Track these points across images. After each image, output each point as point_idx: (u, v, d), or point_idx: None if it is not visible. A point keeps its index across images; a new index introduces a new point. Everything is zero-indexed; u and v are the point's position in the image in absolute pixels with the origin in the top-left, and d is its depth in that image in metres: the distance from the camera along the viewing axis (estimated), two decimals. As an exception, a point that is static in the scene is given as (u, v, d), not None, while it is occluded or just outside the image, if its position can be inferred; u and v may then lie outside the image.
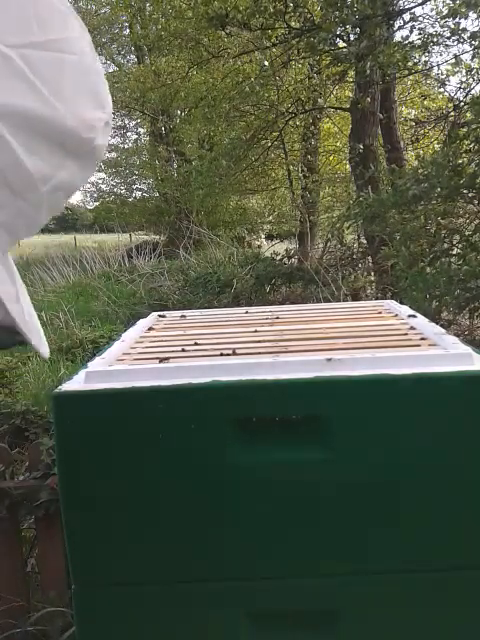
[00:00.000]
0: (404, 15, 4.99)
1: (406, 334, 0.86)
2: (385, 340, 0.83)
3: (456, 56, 4.97)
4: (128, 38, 13.87)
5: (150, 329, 0.99)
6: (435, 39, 4.57)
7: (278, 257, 6.48)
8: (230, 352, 0.79)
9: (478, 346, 0.76)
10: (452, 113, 5.15)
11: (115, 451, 0.71)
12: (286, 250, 6.64)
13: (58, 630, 1.83)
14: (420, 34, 4.64)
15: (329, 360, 0.71)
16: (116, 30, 14.46)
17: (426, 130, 6.23)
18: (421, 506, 0.70)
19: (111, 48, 14.81)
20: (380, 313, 1.04)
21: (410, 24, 4.75)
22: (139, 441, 0.70)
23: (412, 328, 0.90)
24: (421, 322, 0.92)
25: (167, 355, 0.80)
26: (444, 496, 0.70)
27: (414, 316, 0.96)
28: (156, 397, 0.69)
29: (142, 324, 1.03)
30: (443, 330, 0.86)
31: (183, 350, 0.83)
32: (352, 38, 5.35)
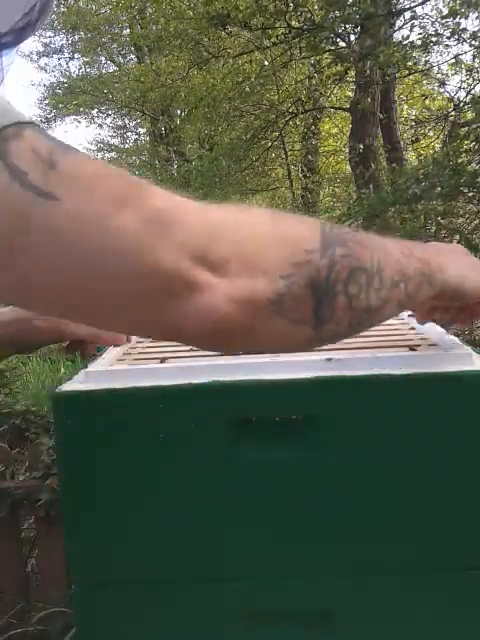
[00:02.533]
0: (405, 14, 4.99)
1: (406, 334, 0.86)
2: (385, 340, 0.83)
3: (456, 56, 4.98)
4: (128, 38, 13.87)
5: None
6: (435, 39, 4.57)
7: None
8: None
9: (478, 346, 0.76)
10: (452, 113, 5.16)
11: (115, 451, 0.71)
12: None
13: (58, 630, 1.83)
14: (420, 33, 4.64)
15: (329, 360, 0.71)
16: (116, 30, 14.46)
17: (426, 130, 6.24)
18: (421, 506, 0.70)
19: (111, 48, 14.81)
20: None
21: (410, 23, 4.75)
22: (139, 441, 0.70)
23: (412, 328, 0.90)
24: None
25: (167, 355, 0.80)
26: (444, 496, 0.70)
27: (414, 316, 0.96)
28: (156, 397, 0.69)
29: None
30: (443, 330, 0.86)
31: (183, 350, 0.83)
32: (353, 38, 5.35)
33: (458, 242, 3.58)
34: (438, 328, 0.88)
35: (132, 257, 0.39)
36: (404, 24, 5.32)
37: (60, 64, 16.43)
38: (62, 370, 4.50)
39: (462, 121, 4.49)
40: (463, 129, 3.97)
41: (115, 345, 0.86)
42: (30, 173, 0.38)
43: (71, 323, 0.81)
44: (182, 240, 0.41)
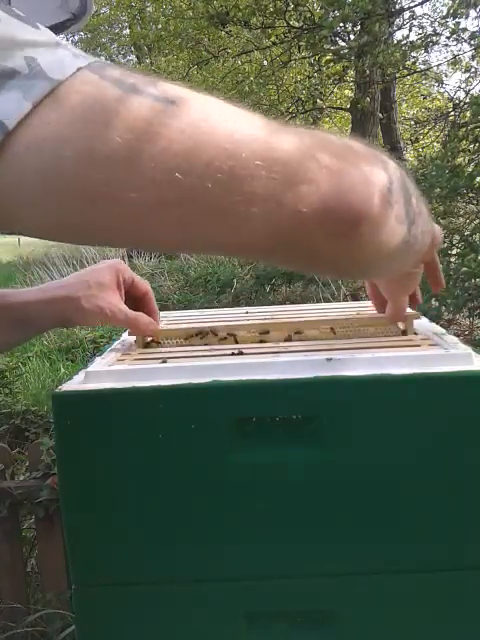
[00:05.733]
0: (404, 14, 4.99)
1: (406, 334, 0.86)
2: (385, 340, 0.83)
3: (455, 56, 4.98)
4: (128, 38, 13.87)
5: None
6: (434, 38, 4.57)
7: (278, 257, 6.47)
8: (230, 352, 0.79)
9: (478, 346, 0.76)
10: (452, 113, 5.16)
11: (115, 451, 0.71)
12: (286, 250, 6.62)
13: (57, 631, 1.83)
14: (420, 33, 4.64)
15: (329, 360, 0.71)
16: (116, 30, 14.46)
17: (426, 130, 6.24)
18: (421, 506, 0.70)
19: (111, 48, 14.81)
20: (380, 313, 1.03)
21: (409, 23, 4.75)
22: (139, 441, 0.70)
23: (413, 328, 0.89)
24: (421, 322, 0.92)
25: (167, 355, 0.80)
26: (444, 496, 0.70)
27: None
28: (156, 397, 0.69)
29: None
30: (443, 330, 0.86)
31: (183, 350, 0.83)
32: (352, 37, 5.36)
33: (458, 242, 3.57)
34: (437, 328, 0.88)
35: (263, 147, 0.39)
36: (403, 24, 5.32)
37: (60, 64, 16.36)
38: (62, 370, 4.50)
39: (461, 121, 4.49)
40: (462, 129, 3.97)
41: (149, 336, 0.89)
42: (138, 84, 0.38)
43: (114, 310, 0.84)
44: (300, 139, 0.42)
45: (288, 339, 0.86)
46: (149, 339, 0.90)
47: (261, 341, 0.86)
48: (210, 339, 0.88)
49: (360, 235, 0.43)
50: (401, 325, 0.87)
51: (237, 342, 0.86)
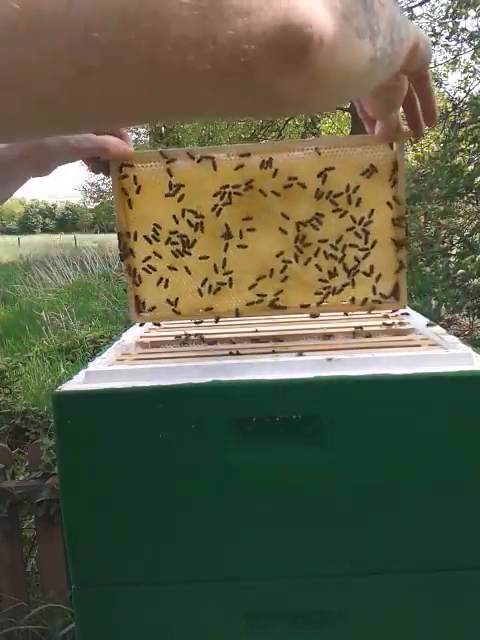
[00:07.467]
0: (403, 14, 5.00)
1: (406, 334, 0.86)
2: (385, 340, 0.83)
3: (455, 56, 4.98)
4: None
5: (151, 329, 0.99)
6: (434, 39, 4.58)
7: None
8: (230, 352, 0.79)
9: (478, 346, 0.76)
10: (452, 113, 5.16)
11: (115, 451, 0.71)
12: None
13: (58, 628, 1.83)
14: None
15: (329, 360, 0.71)
16: (116, 30, 14.43)
17: (426, 130, 6.24)
18: (421, 506, 0.70)
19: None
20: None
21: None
22: (139, 441, 0.70)
23: (412, 329, 0.90)
24: (421, 322, 0.92)
25: (167, 355, 0.80)
26: (444, 496, 0.70)
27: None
28: (156, 397, 0.69)
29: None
30: (443, 330, 0.86)
31: (183, 350, 0.83)
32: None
33: (458, 242, 3.58)
34: (437, 328, 0.88)
35: None
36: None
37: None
38: (62, 370, 4.50)
39: (461, 122, 4.50)
40: (462, 129, 3.98)
41: (122, 159, 0.83)
42: None
43: (79, 138, 0.77)
44: None
45: (269, 162, 0.79)
46: (122, 165, 0.83)
47: (240, 165, 0.79)
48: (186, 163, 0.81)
49: (315, 62, 0.37)
50: (394, 146, 0.81)
51: (215, 167, 0.79)
